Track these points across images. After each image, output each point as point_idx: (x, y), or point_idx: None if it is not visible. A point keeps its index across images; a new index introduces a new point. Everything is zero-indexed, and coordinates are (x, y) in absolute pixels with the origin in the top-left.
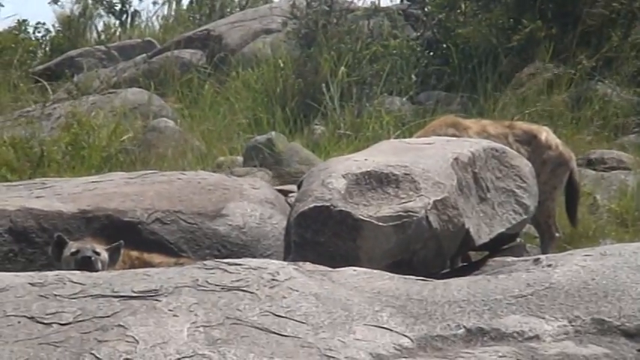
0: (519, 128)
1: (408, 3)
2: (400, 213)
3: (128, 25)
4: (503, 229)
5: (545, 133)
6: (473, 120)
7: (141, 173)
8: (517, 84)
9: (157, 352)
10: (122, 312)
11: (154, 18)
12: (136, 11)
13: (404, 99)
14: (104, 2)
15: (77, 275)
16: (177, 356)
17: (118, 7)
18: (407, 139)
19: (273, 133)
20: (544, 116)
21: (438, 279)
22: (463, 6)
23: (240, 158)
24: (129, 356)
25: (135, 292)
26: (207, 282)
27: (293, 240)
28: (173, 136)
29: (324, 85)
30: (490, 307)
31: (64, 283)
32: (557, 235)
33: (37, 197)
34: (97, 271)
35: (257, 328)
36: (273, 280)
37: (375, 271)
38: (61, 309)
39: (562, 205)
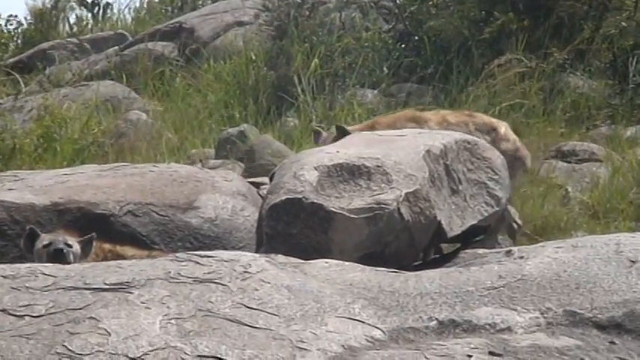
0: (480, 118)
1: None
2: (372, 205)
3: (100, 18)
4: (475, 221)
5: (504, 128)
6: (432, 111)
7: (113, 166)
8: (488, 76)
9: (129, 344)
10: (94, 304)
11: (126, 10)
12: (107, 4)
13: (376, 91)
14: None
15: (49, 268)
16: (150, 348)
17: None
18: (379, 132)
19: (245, 125)
20: (516, 108)
21: (410, 271)
22: None
23: (212, 151)
24: (101, 348)
25: (107, 285)
26: (179, 274)
27: (265, 232)
28: (145, 129)
29: (296, 77)
30: (462, 299)
31: (36, 276)
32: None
33: (9, 189)
34: (69, 263)
35: (229, 320)
36: (245, 272)
37: (347, 263)
38: (34, 301)
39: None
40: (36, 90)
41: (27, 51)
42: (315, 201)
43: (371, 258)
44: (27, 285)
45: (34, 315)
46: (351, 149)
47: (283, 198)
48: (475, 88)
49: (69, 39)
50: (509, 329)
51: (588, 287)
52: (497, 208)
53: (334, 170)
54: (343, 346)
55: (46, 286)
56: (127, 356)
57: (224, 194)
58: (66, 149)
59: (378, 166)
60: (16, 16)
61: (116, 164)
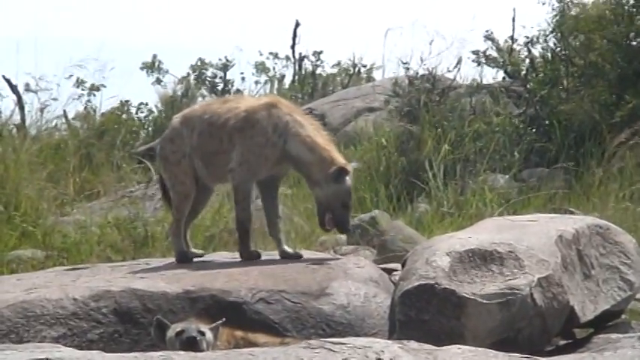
0: None
1: (510, 80)
2: (505, 290)
3: None
4: (608, 306)
5: None
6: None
7: None
8: (620, 159)
9: None
10: None
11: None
12: (238, 91)
13: (507, 176)
14: (206, 82)
15: (182, 355)
16: None
17: (221, 86)
18: (511, 217)
19: (376, 211)
20: None
21: (543, 357)
22: (565, 82)
23: (343, 237)
24: None
25: None
26: None
27: (397, 318)
28: None
29: (427, 162)
30: None
31: None
32: None
33: (142, 278)
34: (202, 351)
35: None
36: (379, 359)
37: (479, 349)
38: None
39: None
40: None
41: (157, 138)
42: (448, 287)
43: (503, 344)
44: None
45: None
46: (483, 235)
47: (416, 284)
48: (605, 171)
49: None
50: None
51: None
52: (630, 293)
53: (466, 256)
54: None
55: None
56: None
57: (356, 281)
58: (198, 236)
59: (510, 252)
60: (146, 104)
61: None
